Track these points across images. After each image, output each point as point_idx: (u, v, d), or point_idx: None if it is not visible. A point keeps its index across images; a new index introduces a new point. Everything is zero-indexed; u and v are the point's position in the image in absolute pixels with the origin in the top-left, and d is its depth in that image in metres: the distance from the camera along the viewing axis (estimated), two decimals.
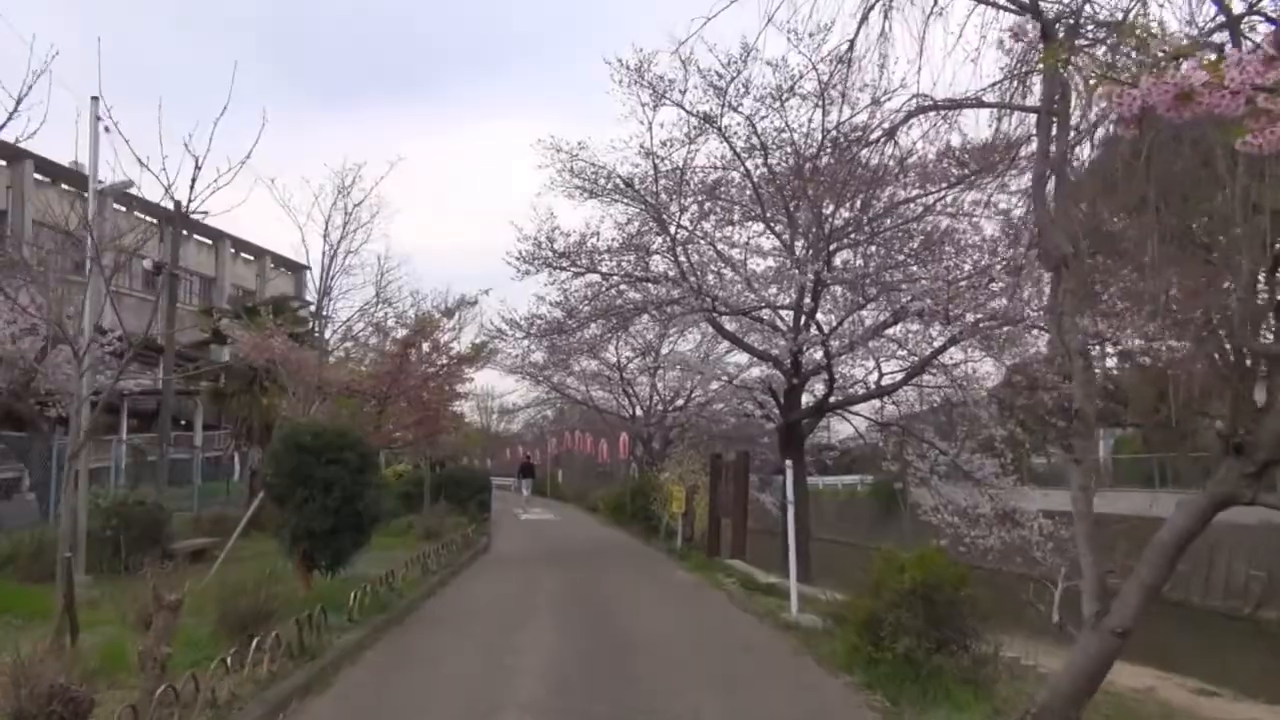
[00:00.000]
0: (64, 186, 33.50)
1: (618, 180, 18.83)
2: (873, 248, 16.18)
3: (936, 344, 18.32)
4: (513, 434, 59.84)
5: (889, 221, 15.37)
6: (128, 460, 22.63)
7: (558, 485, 47.71)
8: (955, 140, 14.31)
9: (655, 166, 18.19)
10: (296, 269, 48.18)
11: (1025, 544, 18.34)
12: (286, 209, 15.80)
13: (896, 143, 10.39)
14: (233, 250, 49.72)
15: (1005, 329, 14.79)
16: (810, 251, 15.44)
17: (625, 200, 19.35)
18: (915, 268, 15.32)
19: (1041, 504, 21.85)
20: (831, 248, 15.42)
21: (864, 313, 18.07)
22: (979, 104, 9.01)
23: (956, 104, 9.35)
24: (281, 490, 10.44)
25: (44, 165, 34.06)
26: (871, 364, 20.47)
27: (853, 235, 15.54)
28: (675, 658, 9.25)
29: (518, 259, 18.03)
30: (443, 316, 16.78)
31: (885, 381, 19.48)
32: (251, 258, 51.28)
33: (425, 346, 16.81)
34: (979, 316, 14.55)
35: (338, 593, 10.45)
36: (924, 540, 25.18)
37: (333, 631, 9.36)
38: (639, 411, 35.31)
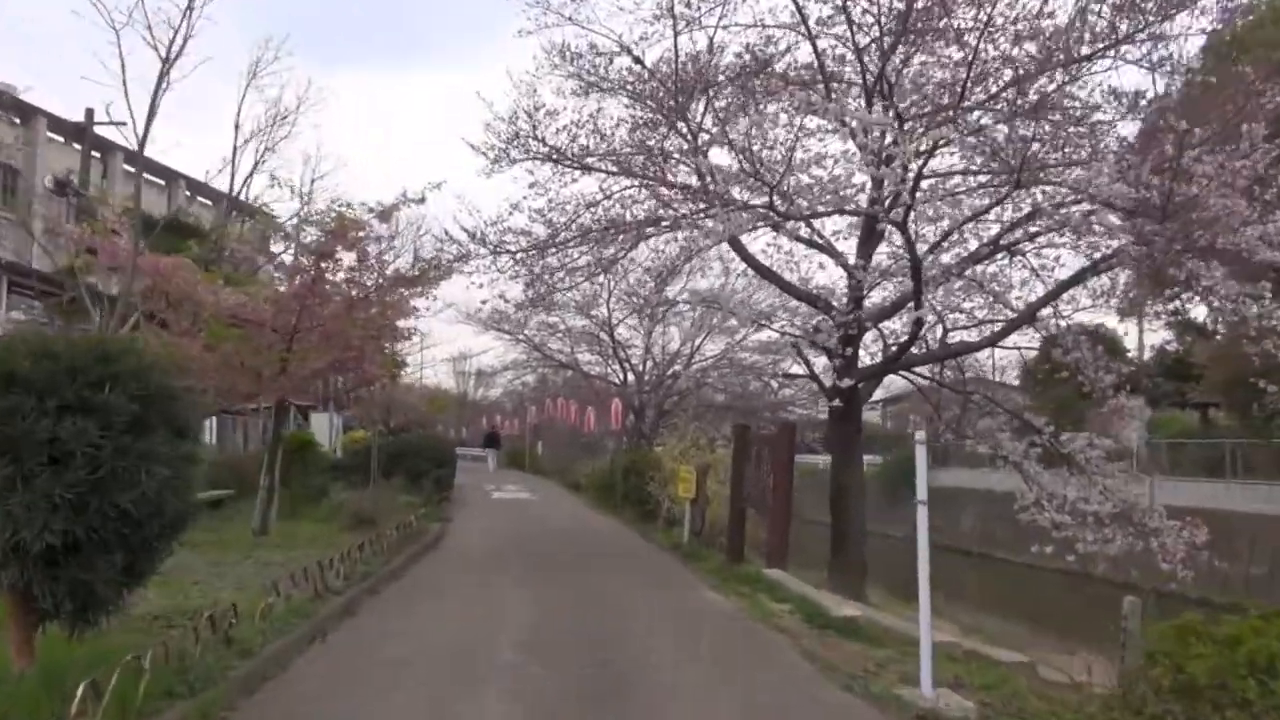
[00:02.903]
0: None
1: (625, 63, 13.39)
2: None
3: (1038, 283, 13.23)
4: (490, 402, 54.25)
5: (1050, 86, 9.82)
6: None
7: (536, 458, 42.00)
8: None
9: (676, 32, 12.75)
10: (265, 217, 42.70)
11: (1147, 551, 13.15)
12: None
13: None
14: (188, 193, 43.94)
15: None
16: (910, 129, 9.97)
17: (634, 96, 13.94)
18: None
19: (1163, 497, 16.65)
20: (955, 119, 9.81)
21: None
22: None
23: None
24: None
25: None
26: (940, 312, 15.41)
27: (982, 107, 10.02)
28: None
29: (487, 148, 12.54)
30: (374, 218, 11.24)
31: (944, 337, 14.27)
32: (210, 202, 45.43)
33: (348, 260, 11.30)
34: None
35: (101, 662, 5.06)
36: (1020, 547, 19.61)
37: None
38: (630, 377, 29.92)
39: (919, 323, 12.02)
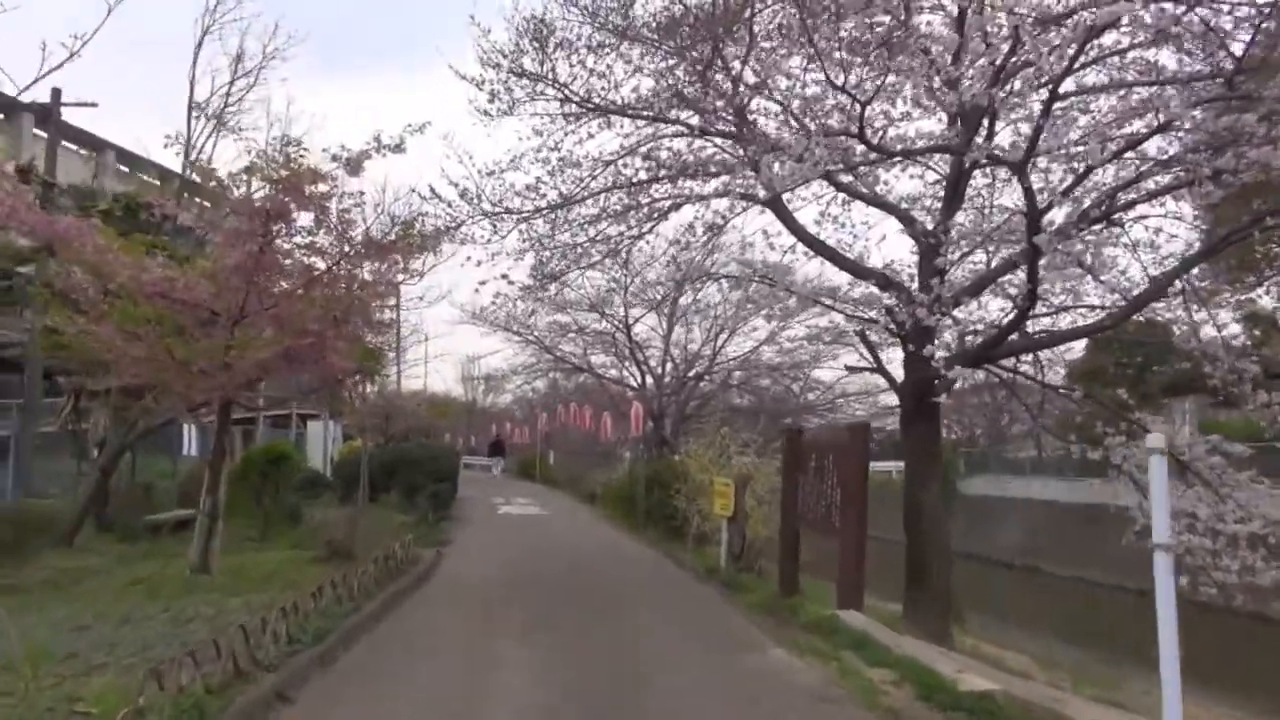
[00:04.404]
0: None
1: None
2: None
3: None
4: (499, 409, 51.58)
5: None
6: None
7: (548, 468, 39.09)
8: None
9: None
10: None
11: None
12: None
13: None
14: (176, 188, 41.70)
15: None
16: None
17: (660, 42, 11.39)
18: None
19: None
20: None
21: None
22: None
23: None
24: None
25: None
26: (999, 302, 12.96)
27: None
28: None
29: (482, 83, 9.88)
30: (339, 167, 8.59)
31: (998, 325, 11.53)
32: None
33: (302, 219, 8.66)
34: None
35: None
36: (1067, 559, 16.90)
37: None
38: (649, 380, 27.20)
39: (1032, 296, 9.28)
